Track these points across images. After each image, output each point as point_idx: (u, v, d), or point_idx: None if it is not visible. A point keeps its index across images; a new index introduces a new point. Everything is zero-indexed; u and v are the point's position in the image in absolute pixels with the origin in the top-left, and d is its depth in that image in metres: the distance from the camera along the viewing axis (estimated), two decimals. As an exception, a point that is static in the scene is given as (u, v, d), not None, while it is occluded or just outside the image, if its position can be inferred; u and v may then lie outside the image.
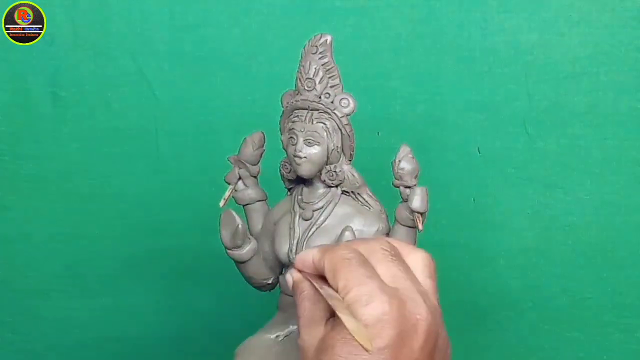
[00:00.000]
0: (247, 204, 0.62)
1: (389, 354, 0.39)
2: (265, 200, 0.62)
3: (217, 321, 0.94)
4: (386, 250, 0.44)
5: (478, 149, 0.87)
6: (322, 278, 0.43)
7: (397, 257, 0.44)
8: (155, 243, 0.93)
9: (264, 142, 0.61)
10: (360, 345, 0.38)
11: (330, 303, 0.41)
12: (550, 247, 0.88)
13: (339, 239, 0.55)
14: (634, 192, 0.85)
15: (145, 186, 0.92)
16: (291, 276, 0.46)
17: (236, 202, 0.61)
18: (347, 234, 0.55)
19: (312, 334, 0.42)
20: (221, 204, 0.60)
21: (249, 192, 0.61)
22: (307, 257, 0.45)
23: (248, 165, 0.60)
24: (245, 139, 0.60)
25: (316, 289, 0.43)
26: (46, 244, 0.95)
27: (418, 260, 0.45)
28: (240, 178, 0.61)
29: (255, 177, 0.61)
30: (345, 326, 0.39)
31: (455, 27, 0.84)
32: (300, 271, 0.45)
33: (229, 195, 0.61)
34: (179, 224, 0.92)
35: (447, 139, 0.87)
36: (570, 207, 0.87)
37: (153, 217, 0.93)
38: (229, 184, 0.61)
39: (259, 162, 0.61)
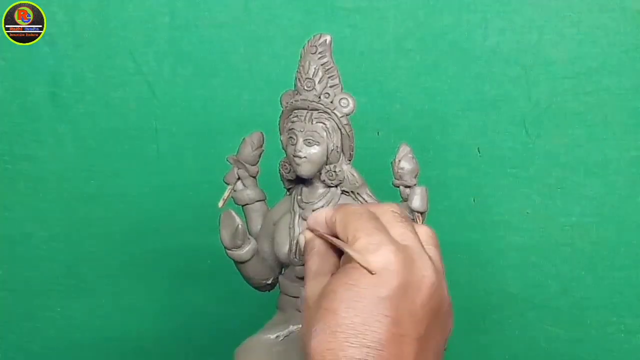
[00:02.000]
0: (246, 204, 0.62)
1: (390, 304, 0.39)
2: (264, 200, 0.62)
3: (217, 321, 0.94)
4: (396, 213, 0.45)
5: (478, 149, 0.87)
6: (334, 237, 0.45)
7: (406, 219, 0.45)
8: (155, 243, 0.93)
9: (263, 142, 0.60)
10: (365, 268, 0.39)
11: (337, 244, 0.42)
12: (550, 247, 0.88)
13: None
14: (634, 192, 0.85)
15: (145, 186, 0.92)
16: (304, 236, 0.46)
17: (235, 203, 0.61)
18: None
19: (317, 285, 0.42)
20: (220, 204, 0.60)
21: (248, 193, 0.61)
22: (320, 215, 0.46)
23: (247, 165, 0.60)
24: (244, 139, 0.60)
25: (326, 244, 0.44)
26: (46, 244, 0.95)
27: (422, 233, 0.45)
28: (239, 178, 0.61)
29: (254, 177, 0.61)
30: (348, 272, 0.40)
31: (455, 27, 0.84)
32: (312, 231, 0.46)
33: (228, 196, 0.61)
34: (179, 224, 0.92)
35: (447, 139, 0.87)
36: (570, 207, 0.87)
37: (153, 217, 0.93)
38: (227, 184, 0.61)
39: (258, 162, 0.61)
